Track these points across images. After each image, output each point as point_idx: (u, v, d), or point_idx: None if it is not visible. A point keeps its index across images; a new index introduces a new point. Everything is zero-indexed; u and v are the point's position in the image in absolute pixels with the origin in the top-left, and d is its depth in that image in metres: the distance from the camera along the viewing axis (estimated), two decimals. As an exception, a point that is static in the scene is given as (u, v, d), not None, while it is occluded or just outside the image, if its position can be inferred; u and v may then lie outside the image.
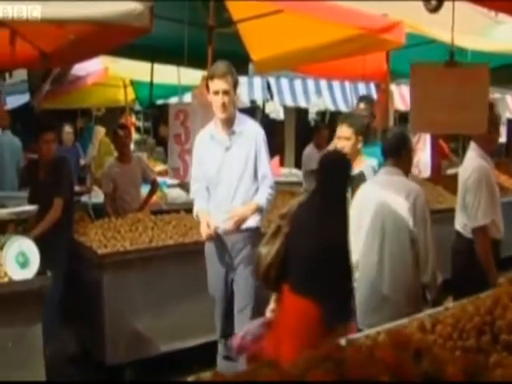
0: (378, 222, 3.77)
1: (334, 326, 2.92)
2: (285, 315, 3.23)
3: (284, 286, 3.26)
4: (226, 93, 4.07)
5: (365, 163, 4.55)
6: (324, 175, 3.36)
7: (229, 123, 4.19)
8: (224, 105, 4.08)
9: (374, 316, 3.63)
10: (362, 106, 5.36)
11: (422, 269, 3.68)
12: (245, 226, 4.11)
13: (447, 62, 4.39)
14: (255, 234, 4.16)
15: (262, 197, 4.17)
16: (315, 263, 3.10)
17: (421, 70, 4.46)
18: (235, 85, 4.16)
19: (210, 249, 4.27)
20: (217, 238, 4.14)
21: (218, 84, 4.06)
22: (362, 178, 4.28)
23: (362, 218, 3.84)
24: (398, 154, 3.92)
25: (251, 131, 4.22)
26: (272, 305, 3.56)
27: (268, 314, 3.58)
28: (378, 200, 3.80)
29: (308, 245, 3.16)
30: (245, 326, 3.66)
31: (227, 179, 4.17)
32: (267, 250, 3.33)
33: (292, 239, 3.25)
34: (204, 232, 4.08)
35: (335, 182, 3.30)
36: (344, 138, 4.49)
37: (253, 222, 4.16)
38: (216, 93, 4.08)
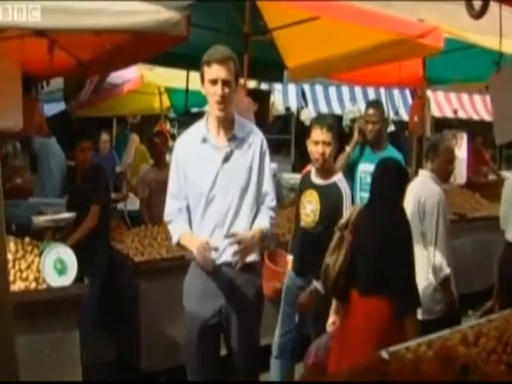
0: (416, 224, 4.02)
1: (407, 318, 3.25)
2: (357, 319, 3.37)
3: (352, 292, 3.43)
4: (226, 83, 3.13)
5: (340, 174, 4.11)
6: (382, 183, 3.53)
7: (228, 125, 3.27)
8: (223, 98, 3.12)
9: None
10: (371, 111, 5.20)
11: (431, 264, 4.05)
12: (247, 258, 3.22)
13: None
14: (256, 268, 3.44)
15: (266, 221, 3.32)
16: (384, 264, 3.31)
17: (501, 78, 4.31)
18: (237, 76, 3.25)
19: (196, 277, 3.33)
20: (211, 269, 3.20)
21: (216, 70, 3.11)
22: (333, 189, 3.97)
23: None
24: (431, 160, 4.32)
25: (256, 138, 3.34)
26: (332, 317, 3.78)
27: (329, 327, 3.79)
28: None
29: (374, 248, 3.38)
30: (313, 344, 3.81)
31: (225, 196, 3.22)
32: (334, 260, 3.46)
33: (358, 246, 3.44)
34: (201, 257, 3.11)
35: (393, 189, 3.49)
36: (323, 143, 3.89)
37: (253, 254, 3.30)
38: (213, 82, 3.12)
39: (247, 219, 3.28)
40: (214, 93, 3.14)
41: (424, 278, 4.01)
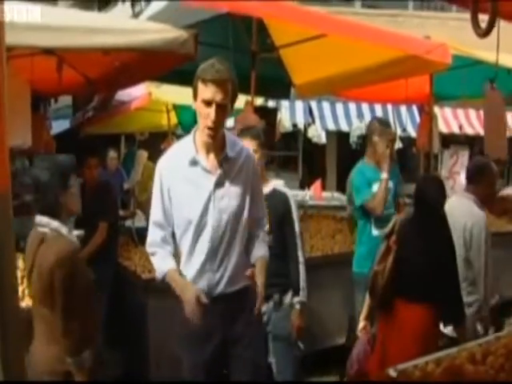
0: None
1: (459, 326, 3.52)
2: (401, 325, 3.53)
3: (396, 300, 3.59)
4: (221, 107, 2.79)
5: (275, 180, 4.11)
6: (424, 196, 3.77)
7: (219, 144, 2.93)
8: (216, 123, 2.80)
9: None
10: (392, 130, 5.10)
11: (477, 288, 4.04)
12: (241, 283, 2.99)
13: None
14: (251, 290, 3.03)
15: (265, 249, 3.12)
16: (431, 272, 3.50)
17: (495, 95, 4.32)
18: (234, 98, 2.92)
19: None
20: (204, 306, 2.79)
21: (212, 92, 2.77)
22: (277, 195, 3.91)
23: None
24: (474, 183, 4.30)
25: (248, 157, 3.05)
26: (362, 323, 3.94)
27: (360, 333, 3.94)
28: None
29: (421, 258, 3.56)
30: (353, 353, 3.88)
31: (218, 225, 2.89)
32: (383, 268, 3.63)
33: (403, 255, 3.61)
34: (192, 311, 2.76)
35: (434, 200, 3.72)
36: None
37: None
38: (207, 103, 2.79)
39: (241, 248, 2.99)
40: (206, 115, 2.80)
41: (467, 304, 3.99)
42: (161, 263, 2.97)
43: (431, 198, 3.74)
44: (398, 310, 3.58)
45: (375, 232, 4.77)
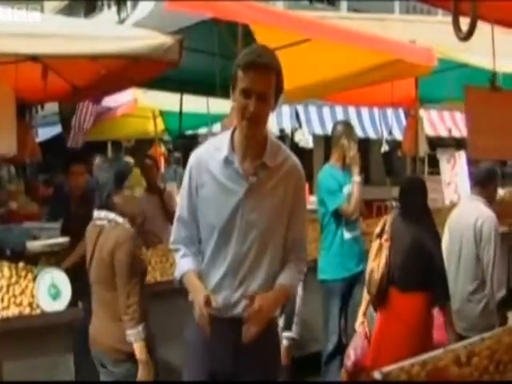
0: (456, 241, 4.47)
1: (447, 305, 3.91)
2: (398, 314, 3.89)
3: (391, 291, 3.95)
4: (262, 97, 2.41)
5: None
6: (408, 196, 4.11)
7: (258, 148, 2.55)
8: (256, 116, 2.42)
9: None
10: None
11: (485, 284, 4.32)
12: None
13: (490, 88, 4.31)
14: (275, 323, 2.82)
15: (293, 277, 2.66)
16: (421, 262, 3.86)
17: (475, 93, 4.34)
18: (279, 90, 2.52)
19: (198, 332, 2.57)
20: (218, 323, 2.49)
21: (251, 78, 2.40)
22: None
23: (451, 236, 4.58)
24: (483, 186, 4.56)
25: (292, 170, 2.62)
26: (361, 318, 4.24)
27: (358, 327, 4.22)
28: (457, 220, 4.54)
29: (411, 251, 3.90)
30: (350, 345, 4.19)
31: (244, 238, 2.53)
32: (377, 264, 3.96)
33: (395, 250, 3.96)
34: (201, 315, 2.46)
35: (421, 200, 4.08)
36: None
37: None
38: (246, 93, 2.41)
39: (268, 271, 2.58)
40: (243, 107, 2.42)
41: (477, 301, 4.37)
42: (180, 263, 2.70)
43: (415, 197, 4.07)
44: (394, 299, 3.94)
45: (347, 235, 4.77)
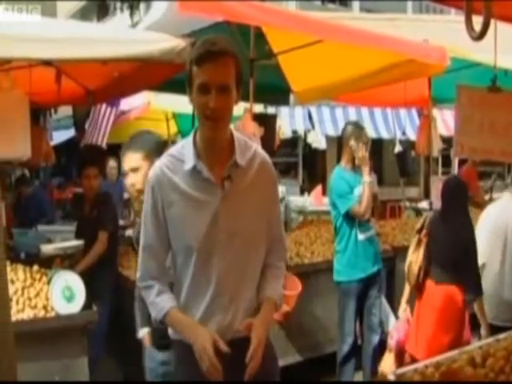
0: (499, 236, 4.48)
1: (478, 299, 4.09)
2: (432, 303, 4.16)
3: (427, 282, 4.23)
4: (222, 89, 2.15)
5: None
6: (448, 196, 4.31)
7: (225, 148, 2.30)
8: (218, 112, 2.15)
9: (494, 314, 4.34)
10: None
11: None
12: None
13: (490, 87, 4.31)
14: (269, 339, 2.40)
15: (278, 286, 2.44)
16: (455, 257, 4.08)
17: (467, 93, 4.35)
18: (239, 78, 2.23)
19: (186, 361, 2.28)
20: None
21: (210, 71, 2.13)
22: None
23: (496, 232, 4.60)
24: None
25: (263, 165, 2.39)
26: (404, 305, 4.47)
27: (401, 313, 4.47)
28: (499, 216, 4.53)
29: (448, 246, 4.15)
30: (393, 328, 4.53)
31: (226, 250, 2.27)
32: (416, 257, 4.26)
33: (433, 244, 4.24)
34: (208, 364, 2.10)
35: (460, 199, 4.30)
36: (131, 171, 3.03)
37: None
38: (204, 88, 2.14)
39: (255, 279, 2.38)
40: (203, 104, 2.14)
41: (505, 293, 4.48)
42: (159, 301, 2.31)
43: (455, 196, 4.32)
44: (430, 290, 4.21)
45: (361, 237, 4.77)
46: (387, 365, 4.44)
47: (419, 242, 4.34)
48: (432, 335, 4.09)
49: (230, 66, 2.17)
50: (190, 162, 2.25)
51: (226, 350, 2.09)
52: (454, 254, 4.12)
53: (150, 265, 2.36)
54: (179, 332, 2.31)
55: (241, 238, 2.27)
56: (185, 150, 2.30)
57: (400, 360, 4.38)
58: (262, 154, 2.42)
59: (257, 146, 2.44)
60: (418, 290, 4.33)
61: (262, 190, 2.35)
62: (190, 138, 2.32)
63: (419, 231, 4.39)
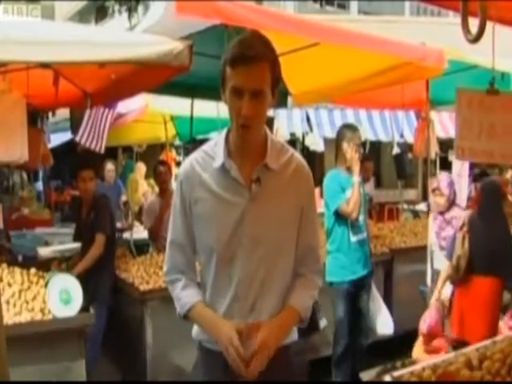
0: None
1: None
2: (476, 294, 4.58)
3: (470, 275, 4.62)
4: (257, 94, 2.06)
5: None
6: (487, 195, 4.78)
7: (257, 150, 2.22)
8: (251, 119, 2.08)
9: None
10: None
11: None
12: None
13: (488, 90, 4.31)
14: (291, 351, 2.35)
15: (306, 297, 2.31)
16: (493, 252, 4.55)
17: (467, 96, 4.35)
18: (276, 82, 2.14)
19: (210, 367, 2.31)
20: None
21: (244, 75, 2.04)
22: None
23: None
24: None
25: (299, 170, 2.29)
26: (437, 295, 4.85)
27: (434, 302, 4.81)
28: None
29: (489, 242, 4.60)
30: (425, 314, 4.75)
31: (250, 256, 2.18)
32: (464, 252, 4.63)
33: (474, 240, 4.64)
34: (234, 355, 2.04)
35: (494, 198, 4.77)
36: None
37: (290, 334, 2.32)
38: (237, 92, 2.06)
39: (281, 291, 2.26)
40: (236, 109, 2.08)
41: None
42: (184, 296, 2.28)
43: (492, 196, 4.76)
44: (473, 282, 4.62)
45: (353, 238, 4.78)
46: (419, 351, 4.82)
47: (464, 237, 4.71)
48: (471, 322, 4.54)
49: (264, 71, 2.07)
50: (219, 159, 2.20)
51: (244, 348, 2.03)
52: (494, 249, 4.56)
53: (176, 259, 2.33)
54: (203, 327, 2.27)
55: (266, 244, 2.18)
56: (217, 147, 2.25)
57: (428, 343, 4.73)
58: (300, 159, 2.32)
59: (295, 151, 2.34)
60: (462, 281, 4.70)
61: (294, 197, 2.25)
62: (223, 135, 2.27)
63: (461, 228, 4.77)
